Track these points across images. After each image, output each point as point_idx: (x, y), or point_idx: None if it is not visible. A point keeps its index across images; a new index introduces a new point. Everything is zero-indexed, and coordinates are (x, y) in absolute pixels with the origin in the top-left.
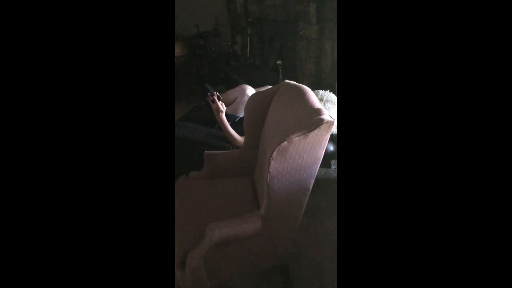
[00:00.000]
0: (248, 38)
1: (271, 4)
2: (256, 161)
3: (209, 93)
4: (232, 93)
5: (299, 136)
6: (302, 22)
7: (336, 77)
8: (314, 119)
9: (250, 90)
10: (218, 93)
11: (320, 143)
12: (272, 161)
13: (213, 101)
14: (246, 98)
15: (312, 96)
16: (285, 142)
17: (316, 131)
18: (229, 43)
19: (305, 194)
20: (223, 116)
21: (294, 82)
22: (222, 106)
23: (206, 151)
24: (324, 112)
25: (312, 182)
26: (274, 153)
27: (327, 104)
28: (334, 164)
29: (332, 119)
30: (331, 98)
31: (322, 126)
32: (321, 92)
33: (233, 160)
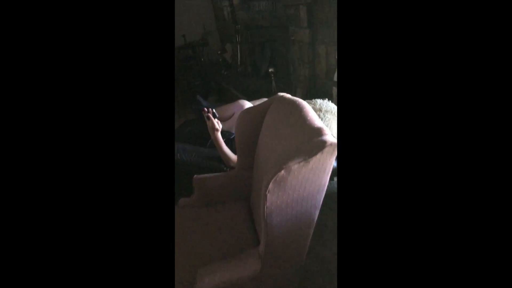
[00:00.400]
0: (238, 46)
1: (259, 9)
2: (251, 183)
3: (205, 108)
4: (229, 108)
5: (298, 163)
6: (292, 27)
7: (332, 83)
8: (315, 141)
9: (248, 106)
10: (214, 110)
11: (324, 169)
12: (268, 194)
13: (208, 118)
14: None
15: (310, 112)
16: (283, 171)
17: (318, 155)
18: (218, 52)
19: (309, 226)
20: (219, 135)
21: (288, 96)
22: (218, 124)
23: (195, 176)
24: (326, 132)
25: (317, 212)
26: (270, 184)
27: (326, 115)
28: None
29: (336, 140)
30: (330, 107)
31: (325, 150)
32: (319, 101)
33: (226, 183)
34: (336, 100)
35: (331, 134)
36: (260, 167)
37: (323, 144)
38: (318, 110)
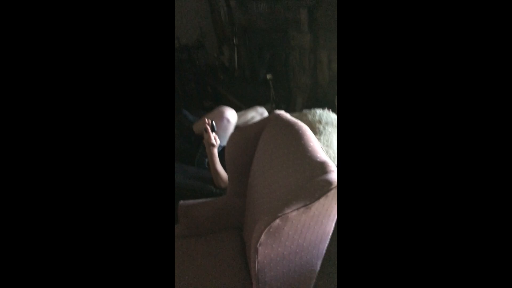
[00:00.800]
0: (235, 49)
1: (257, 11)
2: (244, 211)
3: (205, 119)
4: (209, 117)
5: (297, 209)
6: (292, 31)
7: (335, 92)
8: (317, 180)
9: (230, 112)
10: (213, 122)
11: (329, 214)
12: (259, 247)
13: (206, 130)
14: (226, 123)
15: (312, 140)
16: (277, 221)
17: (322, 200)
18: (215, 55)
19: (310, 277)
20: (215, 151)
21: (286, 116)
22: (215, 140)
23: (181, 202)
24: (331, 168)
25: (320, 262)
26: (262, 236)
27: (326, 128)
28: None
29: None
30: (331, 119)
31: (331, 193)
32: (318, 112)
33: (216, 211)
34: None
35: (337, 170)
36: (253, 199)
37: (327, 186)
38: (317, 122)
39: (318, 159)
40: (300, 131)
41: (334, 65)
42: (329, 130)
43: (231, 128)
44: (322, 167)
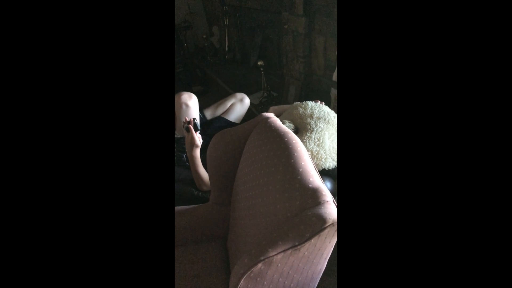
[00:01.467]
0: (226, 30)
1: None
2: (228, 220)
3: (186, 118)
4: None
5: (284, 251)
6: (286, 13)
7: (331, 83)
8: (309, 215)
9: (186, 97)
10: (196, 120)
11: (322, 254)
12: None
13: (188, 130)
14: (184, 108)
15: (304, 158)
16: (260, 265)
17: (313, 240)
18: (204, 37)
19: None
20: (197, 152)
21: (274, 123)
22: (198, 139)
23: None
24: (325, 198)
25: None
26: (241, 282)
27: (318, 123)
28: None
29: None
30: (324, 113)
31: (324, 233)
32: (310, 104)
33: (199, 220)
34: (334, 104)
35: (332, 200)
36: (237, 216)
37: (320, 224)
38: (309, 117)
39: (310, 185)
40: (290, 146)
41: (330, 53)
42: (321, 126)
43: (192, 113)
44: (314, 196)
